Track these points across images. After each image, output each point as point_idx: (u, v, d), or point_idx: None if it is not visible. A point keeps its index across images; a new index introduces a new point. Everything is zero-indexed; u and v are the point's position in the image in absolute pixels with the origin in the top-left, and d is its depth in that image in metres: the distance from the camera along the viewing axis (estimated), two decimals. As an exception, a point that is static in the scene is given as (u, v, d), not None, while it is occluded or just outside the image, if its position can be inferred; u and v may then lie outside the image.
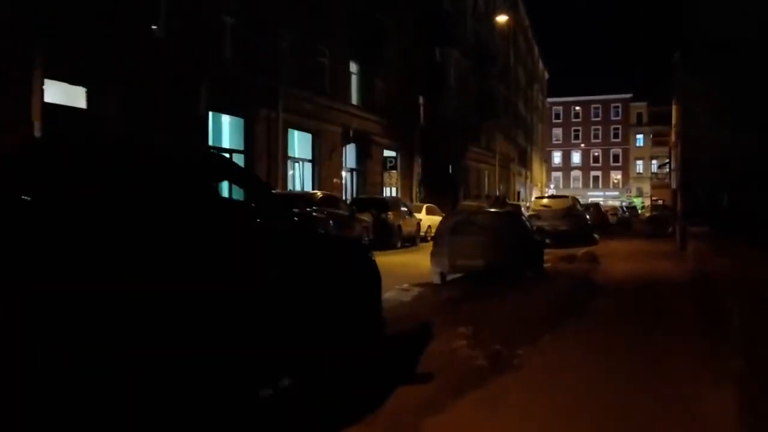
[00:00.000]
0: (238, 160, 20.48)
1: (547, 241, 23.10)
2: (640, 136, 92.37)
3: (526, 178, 66.25)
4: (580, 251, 16.53)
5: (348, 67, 27.00)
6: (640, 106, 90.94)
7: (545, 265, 13.93)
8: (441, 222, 12.36)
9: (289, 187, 22.73)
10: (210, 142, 19.28)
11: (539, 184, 75.19)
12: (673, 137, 26.38)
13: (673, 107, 25.27)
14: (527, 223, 13.71)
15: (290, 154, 23.37)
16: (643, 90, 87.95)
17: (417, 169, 33.47)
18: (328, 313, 4.56)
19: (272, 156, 21.32)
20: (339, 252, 5.01)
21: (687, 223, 18.67)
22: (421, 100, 34.74)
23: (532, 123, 71.88)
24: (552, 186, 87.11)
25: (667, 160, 49.21)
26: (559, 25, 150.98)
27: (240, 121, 20.57)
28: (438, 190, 35.17)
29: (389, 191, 30.19)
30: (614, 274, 12.58)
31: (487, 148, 47.61)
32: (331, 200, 17.12)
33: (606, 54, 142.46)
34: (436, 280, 11.62)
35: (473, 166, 44.54)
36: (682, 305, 8.56)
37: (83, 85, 14.92)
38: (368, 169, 28.81)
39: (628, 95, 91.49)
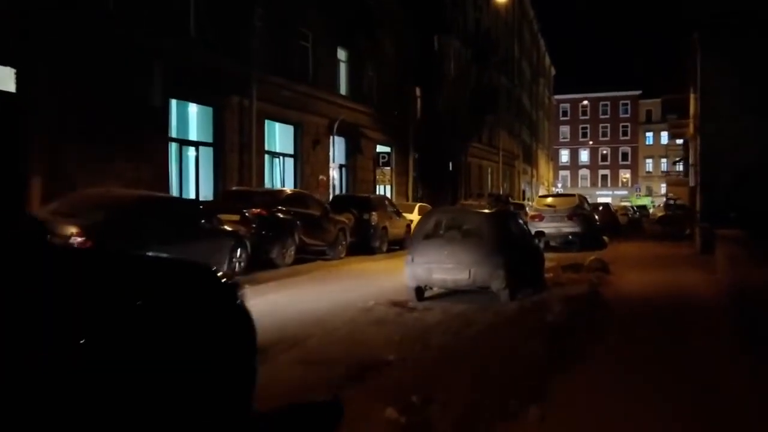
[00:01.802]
0: (206, 153, 18.41)
1: (552, 243, 21.02)
2: (649, 134, 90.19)
3: (532, 176, 63.93)
4: (588, 257, 14.35)
5: (335, 53, 24.85)
6: (650, 103, 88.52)
7: (546, 275, 11.79)
8: (418, 223, 10.19)
9: (267, 184, 20.63)
10: (173, 134, 17.20)
11: (546, 183, 72.88)
12: (691, 129, 24.03)
13: (691, 96, 22.96)
14: (525, 225, 11.51)
15: (269, 147, 21.25)
16: (658, 77, 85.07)
17: (413, 166, 31.29)
18: (133, 396, 2.44)
19: (245, 149, 19.18)
20: (166, 298, 2.79)
21: (709, 224, 16.47)
22: (417, 91, 32.56)
23: (538, 119, 69.51)
24: (559, 185, 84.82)
25: (677, 159, 46.83)
26: (566, 21, 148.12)
27: (208, 111, 18.44)
28: (437, 188, 33.07)
29: (382, 189, 28.03)
30: (628, 289, 10.39)
31: (490, 144, 45.43)
32: (301, 198, 15.01)
33: (614, 50, 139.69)
34: (411, 296, 9.48)
35: (475, 162, 42.35)
36: (727, 344, 6.38)
37: (12, 66, 12.86)
38: (359, 165, 26.66)
39: (638, 92, 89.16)
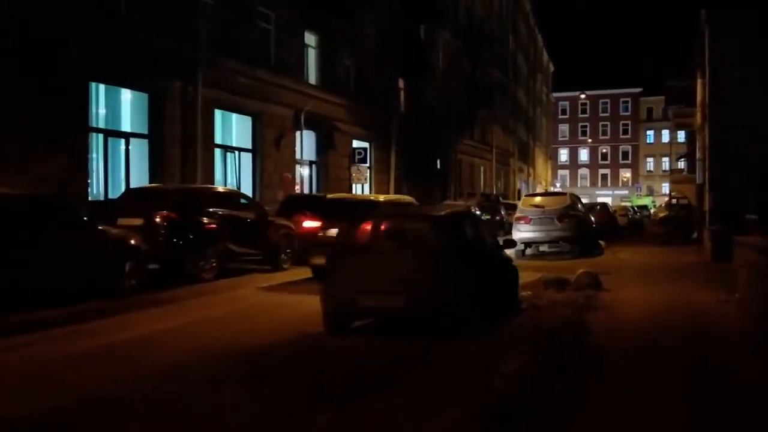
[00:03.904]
0: (141, 146, 15.99)
1: (541, 249, 18.59)
2: (650, 132, 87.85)
3: (529, 175, 61.46)
4: (579, 268, 11.85)
5: (302, 37, 22.39)
6: (651, 101, 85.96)
7: (522, 294, 9.35)
8: (341, 231, 7.71)
9: (219, 181, 18.20)
10: (98, 123, 14.82)
11: (544, 182, 70.38)
12: (698, 119, 21.56)
13: (698, 82, 20.54)
14: (485, 229, 8.94)
15: (222, 141, 18.85)
16: (659, 72, 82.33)
17: (395, 163, 28.85)
18: None
19: (189, 142, 16.73)
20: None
21: (724, 226, 14.07)
22: (401, 83, 30.13)
23: (535, 116, 67.00)
24: (558, 184, 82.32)
25: (681, 154, 44.31)
26: (565, 18, 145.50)
27: (144, 97, 16.02)
28: (424, 188, 30.60)
29: (359, 188, 25.59)
30: (625, 316, 7.93)
31: (483, 141, 43.03)
32: (232, 197, 12.62)
33: (614, 47, 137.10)
34: (329, 328, 7.01)
35: (466, 160, 39.94)
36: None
37: None
38: (331, 162, 24.21)
39: (638, 89, 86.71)
